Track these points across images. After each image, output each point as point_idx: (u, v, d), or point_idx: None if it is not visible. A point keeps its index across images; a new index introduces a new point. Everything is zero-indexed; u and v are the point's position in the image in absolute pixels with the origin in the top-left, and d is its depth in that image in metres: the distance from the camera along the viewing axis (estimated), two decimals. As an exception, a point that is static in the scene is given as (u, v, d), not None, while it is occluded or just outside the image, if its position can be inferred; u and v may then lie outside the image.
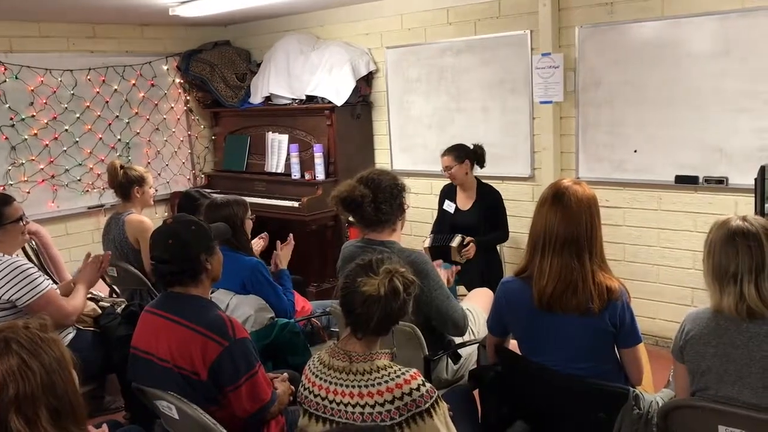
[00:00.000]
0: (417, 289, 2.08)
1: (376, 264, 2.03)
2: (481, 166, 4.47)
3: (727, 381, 2.02)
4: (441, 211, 4.66)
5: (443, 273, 3.00)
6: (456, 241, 4.26)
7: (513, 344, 2.58)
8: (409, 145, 5.56)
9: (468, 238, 4.28)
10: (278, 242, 3.68)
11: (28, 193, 5.33)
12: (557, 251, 2.29)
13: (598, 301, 2.24)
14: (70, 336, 3.19)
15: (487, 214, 4.46)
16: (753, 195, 3.48)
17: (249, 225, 3.42)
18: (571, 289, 2.26)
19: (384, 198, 2.70)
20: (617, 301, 2.26)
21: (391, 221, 2.76)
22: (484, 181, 4.57)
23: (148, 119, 6.09)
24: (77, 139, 5.63)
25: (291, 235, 3.76)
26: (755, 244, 2.01)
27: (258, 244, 3.87)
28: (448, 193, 4.62)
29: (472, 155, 4.41)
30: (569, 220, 2.29)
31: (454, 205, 4.55)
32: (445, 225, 4.57)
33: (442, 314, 2.71)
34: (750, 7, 3.80)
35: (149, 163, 6.04)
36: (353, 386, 1.95)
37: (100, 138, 5.77)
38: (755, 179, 3.39)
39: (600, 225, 2.34)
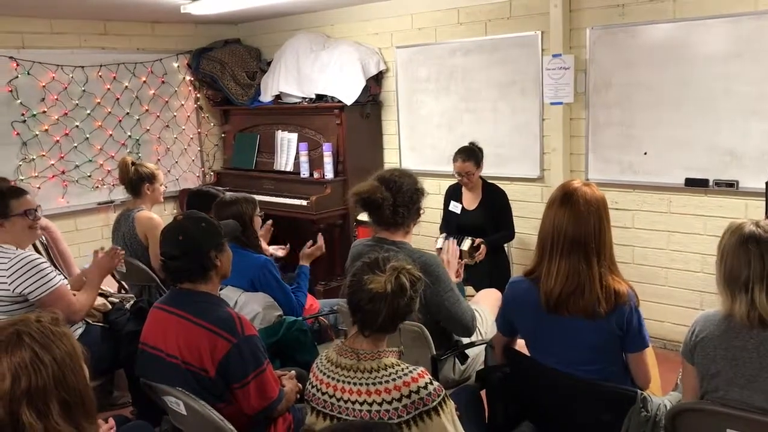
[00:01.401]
0: (423, 286, 2.09)
1: (383, 261, 2.04)
2: None
3: (737, 384, 2.01)
4: (447, 212, 4.65)
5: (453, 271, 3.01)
6: (466, 243, 4.25)
7: (521, 344, 2.58)
8: (418, 145, 5.57)
9: (478, 240, 4.28)
10: (309, 241, 3.69)
11: (39, 188, 5.35)
12: (565, 253, 2.28)
13: (605, 304, 2.23)
14: (79, 331, 3.20)
15: (493, 213, 4.46)
16: (764, 199, 3.46)
17: (258, 222, 3.43)
18: (579, 292, 2.25)
19: (403, 202, 2.72)
20: (625, 305, 2.25)
21: (406, 224, 2.78)
22: (491, 181, 4.57)
23: (158, 116, 6.12)
24: (88, 136, 5.66)
25: (321, 236, 3.77)
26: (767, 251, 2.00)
27: (276, 251, 3.89)
28: (453, 193, 4.61)
29: (482, 156, 4.41)
30: (577, 221, 2.28)
31: (460, 206, 4.54)
32: (451, 225, 4.56)
33: (452, 316, 2.73)
34: (762, 10, 3.78)
35: (159, 160, 6.07)
36: (361, 384, 1.96)
37: (111, 134, 5.81)
38: (766, 183, 3.38)
39: (609, 227, 2.33)
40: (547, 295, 2.30)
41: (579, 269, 2.25)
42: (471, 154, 4.37)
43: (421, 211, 2.84)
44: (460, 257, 4.21)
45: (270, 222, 3.96)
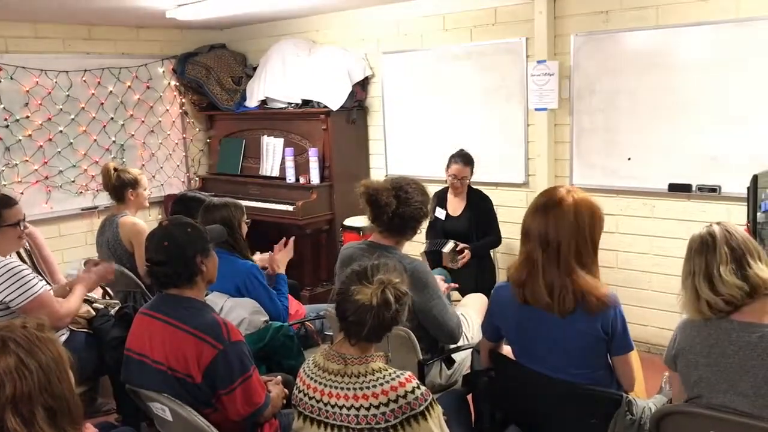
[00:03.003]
0: (409, 300, 2.10)
1: (371, 272, 2.05)
2: None
3: (719, 390, 2.03)
4: (433, 218, 4.66)
5: (442, 285, 3.04)
6: (448, 246, 4.27)
7: (507, 350, 2.59)
8: (404, 150, 5.57)
9: (462, 245, 4.29)
10: (275, 246, 3.67)
11: (22, 194, 5.30)
12: (526, 241, 2.35)
13: (557, 301, 2.24)
14: (63, 337, 3.17)
15: (479, 219, 4.48)
16: (746, 203, 3.50)
17: (244, 229, 3.41)
18: (530, 281, 2.30)
19: (404, 214, 2.77)
20: (609, 308, 2.27)
21: (399, 235, 2.84)
22: (475, 187, 4.59)
23: (143, 121, 6.09)
24: (72, 141, 5.62)
25: (293, 238, 3.75)
26: (708, 245, 2.09)
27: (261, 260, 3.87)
28: (439, 199, 4.63)
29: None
30: (540, 216, 2.33)
31: (444, 212, 4.56)
32: (436, 232, 4.57)
33: (439, 323, 2.76)
34: (744, 17, 3.84)
35: (143, 165, 6.04)
36: (348, 388, 1.96)
37: (95, 140, 5.77)
38: (748, 188, 3.41)
39: (576, 230, 2.29)
40: (514, 280, 2.36)
41: (532, 259, 2.31)
42: (469, 159, 4.44)
43: (418, 232, 2.89)
44: (442, 260, 4.25)
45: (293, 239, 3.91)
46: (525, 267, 2.33)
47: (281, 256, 3.63)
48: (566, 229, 2.27)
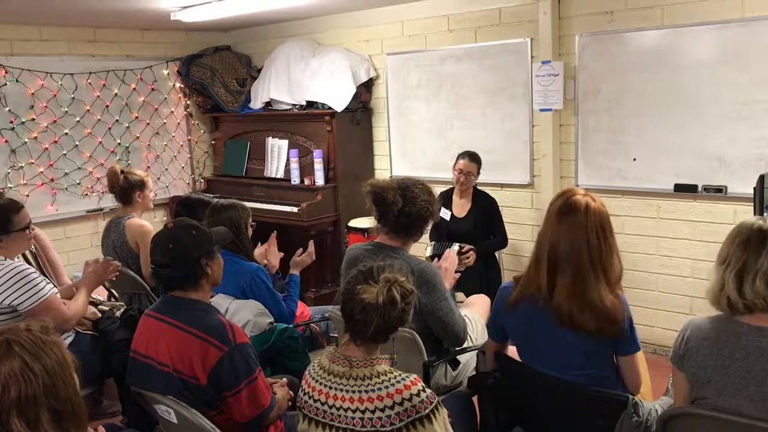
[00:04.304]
0: (415, 299, 2.09)
1: (377, 271, 2.04)
2: None
3: (727, 393, 2.00)
4: (438, 218, 4.65)
5: (450, 271, 3.03)
6: (454, 249, 4.26)
7: (513, 351, 2.58)
8: (408, 152, 5.57)
9: (467, 246, 4.29)
10: (300, 249, 3.68)
11: (27, 196, 5.32)
12: (539, 247, 2.34)
13: (567, 319, 2.23)
14: (69, 340, 3.18)
15: (483, 221, 4.48)
16: (752, 204, 3.48)
17: (250, 231, 3.41)
18: (539, 284, 2.29)
19: (410, 213, 2.77)
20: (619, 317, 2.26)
21: (405, 235, 2.83)
22: (480, 188, 4.59)
23: (148, 123, 6.10)
24: (77, 143, 5.64)
25: (311, 243, 3.76)
26: (756, 242, 1.99)
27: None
28: (443, 200, 4.62)
29: (481, 165, 4.48)
30: (554, 223, 2.31)
31: (449, 213, 4.55)
32: (441, 232, 4.57)
33: (444, 326, 2.76)
34: (749, 17, 3.82)
35: (149, 167, 6.05)
36: (353, 391, 1.95)
37: (100, 142, 5.78)
38: (754, 188, 3.40)
39: (579, 241, 2.27)
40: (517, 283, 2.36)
41: (542, 266, 2.30)
42: (476, 157, 4.46)
43: (424, 232, 2.90)
44: None
45: (274, 233, 3.92)
46: (534, 274, 2.31)
47: (301, 260, 3.64)
48: (593, 243, 2.27)
